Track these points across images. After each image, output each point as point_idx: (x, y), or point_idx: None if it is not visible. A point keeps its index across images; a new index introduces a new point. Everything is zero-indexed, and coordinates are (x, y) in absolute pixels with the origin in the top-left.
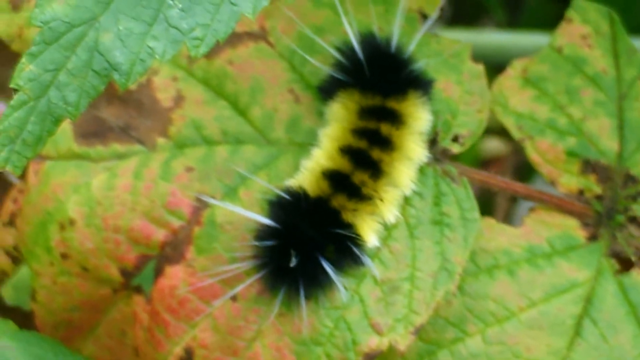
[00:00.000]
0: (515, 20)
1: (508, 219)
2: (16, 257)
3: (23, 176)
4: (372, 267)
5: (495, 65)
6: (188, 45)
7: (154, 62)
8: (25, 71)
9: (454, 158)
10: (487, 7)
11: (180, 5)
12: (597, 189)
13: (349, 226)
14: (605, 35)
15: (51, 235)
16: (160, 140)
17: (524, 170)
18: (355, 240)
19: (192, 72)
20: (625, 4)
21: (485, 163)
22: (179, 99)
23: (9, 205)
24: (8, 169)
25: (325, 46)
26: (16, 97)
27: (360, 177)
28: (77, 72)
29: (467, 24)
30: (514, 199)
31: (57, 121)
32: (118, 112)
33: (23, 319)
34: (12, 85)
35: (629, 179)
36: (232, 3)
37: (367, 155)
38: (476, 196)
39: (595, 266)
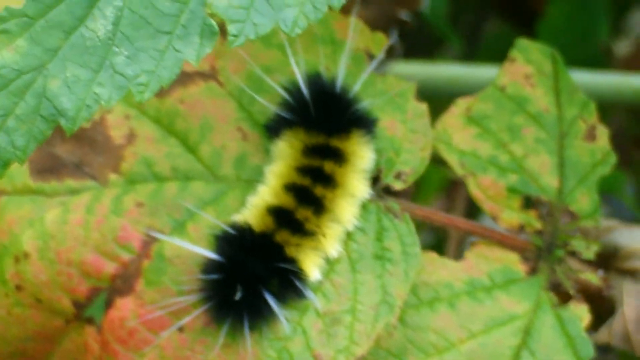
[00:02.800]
0: (473, 51)
1: (462, 249)
2: None
3: None
4: (315, 300)
5: (449, 98)
6: (133, 91)
7: (100, 107)
8: None
9: (416, 183)
10: (445, 39)
11: (126, 53)
12: (538, 225)
13: (292, 261)
14: (548, 75)
15: (6, 268)
16: (112, 176)
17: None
18: (298, 274)
19: (144, 110)
20: (581, 35)
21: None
22: (131, 137)
23: None
24: None
25: (274, 85)
26: None
27: (303, 213)
28: (25, 117)
29: (426, 55)
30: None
31: (5, 165)
32: (72, 149)
33: None
34: None
35: (569, 214)
36: (176, 50)
37: (310, 192)
38: (430, 228)
39: (535, 299)
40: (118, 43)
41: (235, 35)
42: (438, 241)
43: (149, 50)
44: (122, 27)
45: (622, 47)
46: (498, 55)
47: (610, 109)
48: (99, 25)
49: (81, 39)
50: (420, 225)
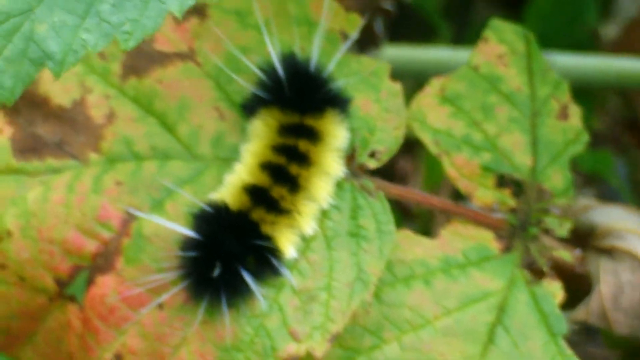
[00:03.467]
0: (461, 36)
1: None
2: None
3: None
4: (290, 277)
5: None
6: (118, 38)
7: (86, 52)
8: None
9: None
10: (436, 27)
11: (111, 1)
12: (512, 203)
13: (268, 238)
14: (521, 55)
15: None
16: (93, 156)
17: None
18: (274, 251)
19: (124, 90)
20: (569, 19)
21: None
22: (110, 116)
23: None
24: None
25: (250, 65)
26: None
27: (279, 191)
28: (13, 59)
29: (416, 39)
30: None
31: None
32: (53, 129)
33: None
34: None
35: (542, 192)
36: (160, 1)
37: (285, 170)
38: (419, 210)
39: (509, 276)
40: None
41: None
42: (425, 229)
43: (133, 0)
44: None
45: (610, 31)
46: None
47: (601, 92)
48: None
49: None
50: (408, 214)
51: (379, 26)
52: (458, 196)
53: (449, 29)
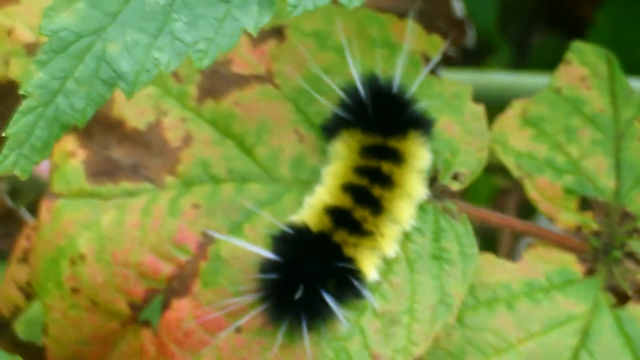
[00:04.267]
0: (522, 60)
1: (511, 254)
2: (29, 293)
3: (36, 214)
4: (372, 299)
5: (499, 106)
6: (192, 57)
7: (159, 71)
8: (34, 78)
9: (465, 192)
10: (494, 48)
11: (185, 19)
12: (595, 226)
13: (350, 260)
14: (603, 77)
15: (62, 270)
16: (169, 179)
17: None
18: (356, 273)
19: (201, 113)
20: (631, 42)
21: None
22: (187, 139)
23: (22, 243)
24: (16, 172)
25: (331, 84)
26: (25, 103)
27: (361, 213)
28: (84, 80)
29: (473, 64)
30: (517, 235)
31: (64, 127)
32: (128, 152)
33: (35, 355)
34: (21, 92)
35: (626, 215)
36: (234, 18)
37: (368, 192)
38: (480, 233)
39: (592, 300)
40: (177, 10)
41: (294, 6)
42: (486, 246)
43: (208, 18)
44: None
45: None
46: (547, 63)
47: None
48: None
49: (140, 3)
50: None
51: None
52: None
53: (508, 51)
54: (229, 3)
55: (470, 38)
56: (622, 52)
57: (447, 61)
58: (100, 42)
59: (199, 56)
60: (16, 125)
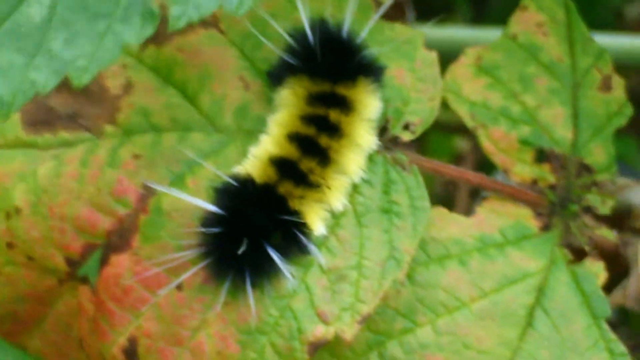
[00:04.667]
0: (481, 17)
1: (468, 212)
2: None
3: None
4: (319, 255)
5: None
6: (71, 75)
7: (35, 92)
8: None
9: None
10: (453, 5)
11: (64, 36)
12: (551, 179)
13: (296, 213)
14: (561, 23)
15: None
16: (108, 128)
17: (486, 166)
18: (302, 227)
19: (142, 59)
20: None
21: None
22: (128, 87)
23: None
24: None
25: (279, 29)
26: None
27: (307, 164)
28: None
29: (435, 19)
30: (476, 193)
31: None
32: (66, 100)
33: None
34: None
35: (583, 168)
36: (115, 33)
37: (315, 142)
38: (438, 192)
39: (548, 256)
40: (55, 27)
41: (177, 17)
42: (445, 202)
43: (87, 34)
44: (59, 11)
45: (633, 10)
46: (505, 20)
47: (624, 72)
48: (34, 10)
49: (16, 25)
50: (428, 184)
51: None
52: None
53: (467, 8)
54: (110, 17)
55: None
56: (584, 7)
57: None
58: None
59: (78, 73)
60: None
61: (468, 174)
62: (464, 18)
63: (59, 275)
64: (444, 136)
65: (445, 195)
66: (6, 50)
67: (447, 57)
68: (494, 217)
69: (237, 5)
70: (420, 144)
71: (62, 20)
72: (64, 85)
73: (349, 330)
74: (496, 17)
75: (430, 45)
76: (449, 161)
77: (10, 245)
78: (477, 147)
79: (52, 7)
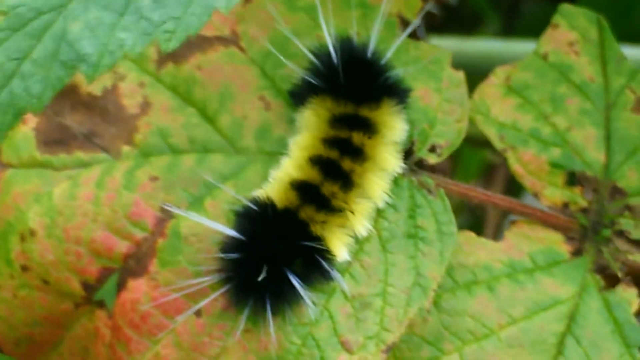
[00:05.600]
0: (511, 27)
1: (498, 233)
2: None
3: None
4: (342, 282)
5: (487, 74)
6: (159, 38)
7: (123, 54)
8: None
9: (453, 168)
10: (483, 17)
11: None
12: (583, 202)
13: (318, 239)
14: (593, 42)
15: (11, 247)
16: (125, 149)
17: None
18: (324, 253)
19: (160, 77)
20: (622, 10)
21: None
22: (145, 106)
23: None
24: None
25: (302, 47)
26: None
27: (330, 188)
28: (42, 61)
29: (462, 32)
30: (505, 214)
31: (20, 113)
32: (82, 119)
33: None
34: None
35: (616, 191)
36: None
37: (338, 165)
38: (466, 211)
39: (580, 282)
40: None
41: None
42: (475, 224)
43: None
44: None
45: None
46: (536, 31)
47: None
48: None
49: None
50: (457, 207)
51: (432, 7)
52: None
53: (497, 20)
54: None
55: None
56: (614, 19)
57: (431, 23)
58: (61, 20)
59: (166, 37)
60: None
61: (497, 198)
62: (493, 29)
63: (75, 299)
64: (475, 149)
65: (473, 217)
66: (94, 6)
67: (477, 69)
68: (523, 241)
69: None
70: (451, 157)
71: None
72: (80, 103)
73: (373, 359)
74: (527, 28)
75: (458, 58)
76: (480, 174)
77: (25, 268)
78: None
79: None
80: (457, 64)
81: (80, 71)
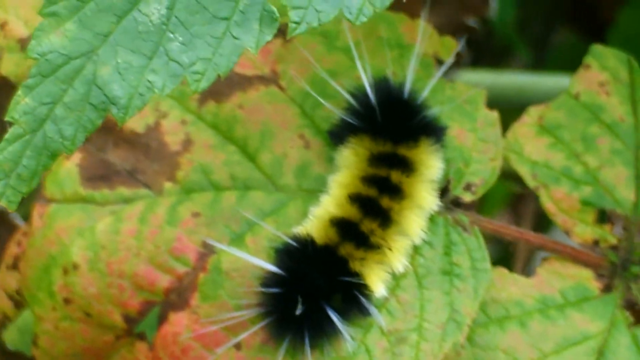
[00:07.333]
0: (541, 60)
1: (529, 266)
2: (19, 302)
3: (28, 219)
4: (379, 317)
5: (518, 107)
6: (188, 80)
7: (153, 96)
8: (20, 104)
9: (480, 198)
10: (513, 48)
11: (180, 39)
12: (613, 240)
13: (357, 275)
14: (624, 82)
15: (54, 280)
16: (167, 185)
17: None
18: (362, 289)
19: (202, 116)
20: None
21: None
22: (187, 143)
23: (13, 249)
24: (2, 203)
25: (339, 89)
26: (11, 131)
27: (369, 225)
28: (74, 105)
29: (492, 64)
30: (534, 247)
31: (53, 155)
32: (125, 155)
33: None
34: (7, 119)
35: None
36: (234, 37)
37: (376, 203)
38: (496, 243)
39: (609, 318)
40: (172, 28)
41: (296, 23)
42: (503, 257)
43: (205, 37)
44: (177, 12)
45: None
46: (567, 65)
47: None
48: (153, 9)
49: (133, 23)
50: (486, 238)
51: (462, 45)
52: (537, 231)
53: (527, 52)
54: (228, 20)
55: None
56: None
57: (461, 61)
58: (91, 65)
59: (195, 77)
60: (2, 154)
61: (529, 235)
62: (523, 62)
63: (117, 331)
64: (501, 182)
65: (501, 246)
66: (123, 50)
67: (507, 102)
68: (554, 278)
69: (356, 14)
70: None
71: (179, 22)
72: (123, 139)
73: None
74: (556, 60)
75: (489, 90)
76: (505, 206)
77: (67, 301)
78: (534, 195)
79: (170, 7)
80: (488, 97)
81: (111, 114)
